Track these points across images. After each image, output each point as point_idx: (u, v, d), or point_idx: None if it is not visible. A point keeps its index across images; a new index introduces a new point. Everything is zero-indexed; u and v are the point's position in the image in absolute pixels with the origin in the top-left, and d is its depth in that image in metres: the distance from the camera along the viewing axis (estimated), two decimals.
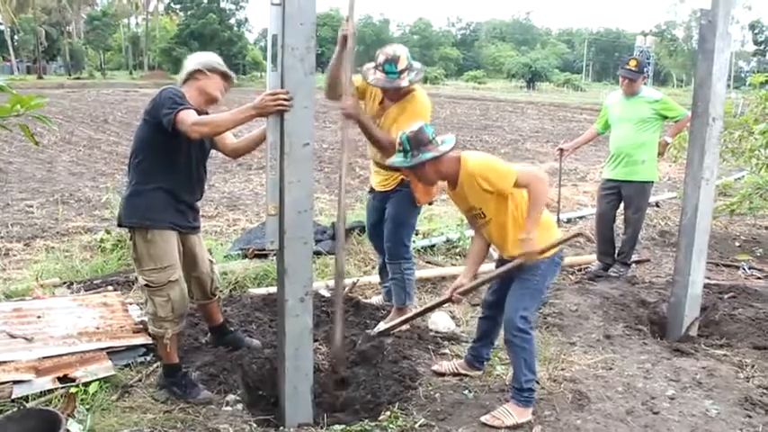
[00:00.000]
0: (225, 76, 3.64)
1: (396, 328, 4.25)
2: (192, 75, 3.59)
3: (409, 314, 4.31)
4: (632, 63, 5.71)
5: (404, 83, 4.13)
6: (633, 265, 6.22)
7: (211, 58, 3.67)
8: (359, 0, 4.10)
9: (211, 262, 4.03)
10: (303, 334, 3.24)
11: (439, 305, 4.03)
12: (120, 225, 3.67)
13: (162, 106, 3.33)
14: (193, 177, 3.64)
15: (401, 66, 4.10)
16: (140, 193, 3.51)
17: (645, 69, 5.83)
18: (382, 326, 4.38)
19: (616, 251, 6.09)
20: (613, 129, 5.90)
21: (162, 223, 3.49)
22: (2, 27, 58.79)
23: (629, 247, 6.00)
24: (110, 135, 18.04)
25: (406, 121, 4.10)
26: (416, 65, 4.24)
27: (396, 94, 4.25)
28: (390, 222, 4.52)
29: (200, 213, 3.93)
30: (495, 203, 3.40)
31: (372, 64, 4.21)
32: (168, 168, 3.48)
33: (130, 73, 68.66)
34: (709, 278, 5.33)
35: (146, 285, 3.54)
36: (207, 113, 3.62)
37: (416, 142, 3.36)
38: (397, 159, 3.46)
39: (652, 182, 5.92)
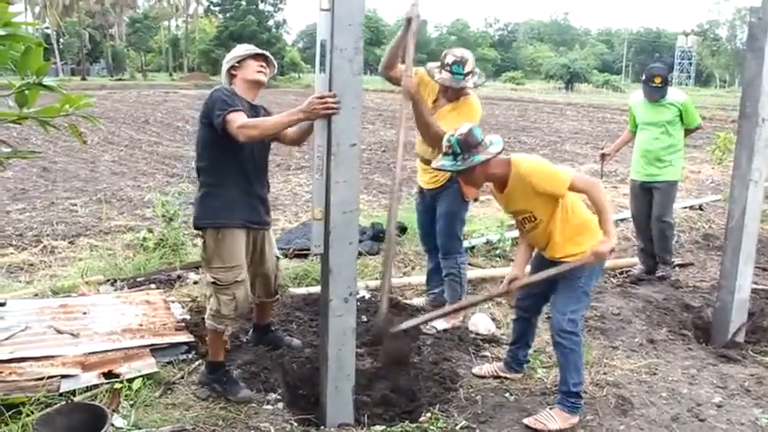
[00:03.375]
0: (255, 57, 3.64)
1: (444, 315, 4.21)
2: (229, 73, 3.65)
3: (459, 304, 4.34)
4: (657, 80, 5.48)
5: (468, 84, 4.31)
6: (677, 268, 6.09)
7: (236, 50, 3.69)
8: (397, 2, 4.16)
9: (278, 258, 4.06)
10: (346, 334, 3.23)
11: (493, 298, 4.14)
12: (195, 227, 3.71)
13: (214, 108, 3.38)
14: (259, 170, 3.68)
15: (468, 68, 4.27)
16: (213, 193, 3.56)
17: (669, 78, 5.68)
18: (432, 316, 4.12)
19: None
20: (640, 131, 5.78)
21: (234, 222, 3.54)
22: (49, 31, 60.13)
23: (665, 250, 5.86)
24: (150, 135, 18.31)
25: (459, 123, 4.19)
26: (477, 70, 4.38)
27: (454, 95, 4.38)
28: (443, 219, 4.57)
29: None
30: (545, 206, 3.35)
31: (437, 64, 4.33)
32: (233, 165, 3.52)
33: (170, 74, 69.66)
34: (756, 283, 5.20)
35: (212, 283, 3.60)
36: (264, 109, 3.68)
37: (466, 145, 3.27)
38: (446, 163, 3.36)
39: (677, 181, 5.80)
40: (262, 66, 3.64)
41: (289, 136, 3.80)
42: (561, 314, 3.42)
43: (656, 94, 5.53)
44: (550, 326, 3.53)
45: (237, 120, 3.30)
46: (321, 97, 3.02)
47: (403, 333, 3.66)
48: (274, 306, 4.35)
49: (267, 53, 3.70)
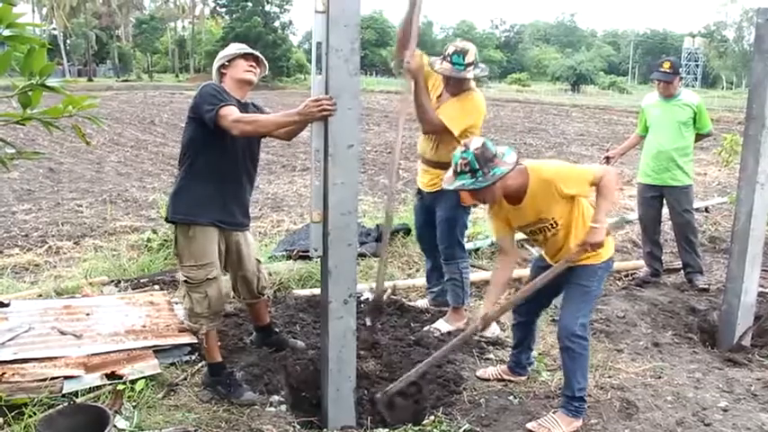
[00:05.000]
0: (245, 57, 3.63)
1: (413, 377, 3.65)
2: (219, 71, 3.63)
3: (422, 366, 3.69)
4: (666, 65, 5.54)
5: (469, 75, 4.23)
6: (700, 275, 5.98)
7: (227, 49, 3.67)
8: (402, 2, 4.13)
9: (258, 261, 4.01)
10: (346, 336, 3.22)
11: (466, 339, 3.71)
12: (166, 220, 3.74)
13: (203, 103, 3.36)
14: (241, 171, 3.64)
15: (468, 59, 4.20)
16: (186, 189, 3.55)
17: (680, 69, 5.67)
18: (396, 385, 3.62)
19: (663, 254, 5.98)
20: (653, 132, 5.74)
21: (204, 219, 3.52)
22: (55, 32, 60.34)
23: (693, 256, 5.79)
24: (156, 136, 18.39)
25: (463, 119, 4.21)
26: (482, 65, 4.30)
27: (456, 87, 4.30)
28: (443, 224, 4.52)
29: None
30: (566, 210, 3.26)
31: (440, 56, 4.29)
32: (215, 163, 3.50)
33: (177, 75, 69.86)
34: (763, 286, 5.17)
35: (185, 281, 3.60)
36: (254, 106, 3.66)
37: (484, 158, 3.05)
38: (465, 182, 3.11)
39: (690, 185, 5.76)
40: (251, 65, 3.62)
41: (278, 132, 3.71)
42: (573, 318, 3.35)
43: (664, 77, 5.51)
44: (560, 331, 3.42)
45: (232, 114, 3.28)
46: (317, 100, 3.00)
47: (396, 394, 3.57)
48: (269, 307, 4.33)
49: (257, 53, 3.68)
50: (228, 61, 3.61)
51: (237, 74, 3.58)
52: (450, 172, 3.22)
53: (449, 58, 4.21)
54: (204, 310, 3.59)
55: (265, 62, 3.75)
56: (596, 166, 3.33)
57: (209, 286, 3.56)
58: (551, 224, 3.31)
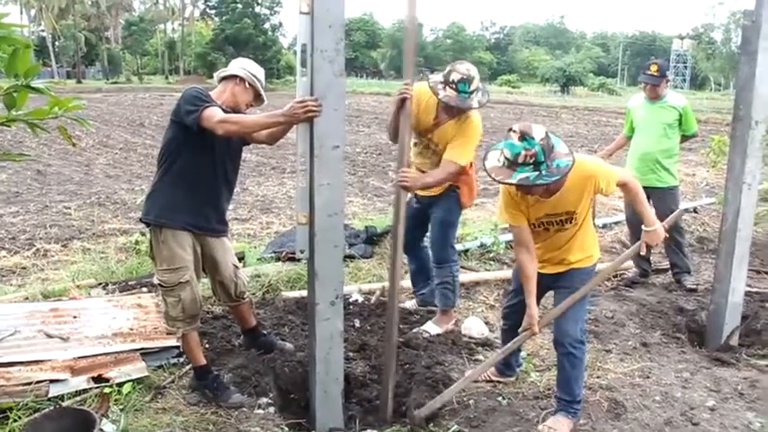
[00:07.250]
0: (257, 96, 3.68)
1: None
2: (234, 77, 3.61)
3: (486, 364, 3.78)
4: (653, 68, 5.57)
5: (474, 104, 4.13)
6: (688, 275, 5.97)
7: (258, 73, 3.67)
8: (392, 4, 4.11)
9: (236, 267, 3.95)
10: (333, 338, 3.21)
11: (520, 344, 3.57)
12: (141, 221, 3.72)
13: (186, 105, 3.34)
14: (219, 178, 3.61)
15: (473, 86, 4.09)
16: (160, 191, 3.54)
17: (667, 72, 5.69)
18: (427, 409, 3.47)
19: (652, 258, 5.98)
20: (638, 134, 5.76)
21: (176, 223, 3.49)
22: (44, 34, 60.08)
23: (680, 256, 5.82)
24: (145, 138, 18.29)
25: (463, 144, 4.17)
26: (480, 85, 4.17)
27: (457, 111, 4.19)
28: (438, 226, 4.51)
29: (231, 217, 3.92)
30: (586, 206, 3.23)
31: (440, 78, 4.15)
32: (192, 168, 3.48)
33: (166, 77, 69.57)
34: (750, 286, 5.19)
35: (159, 284, 3.61)
36: (234, 111, 3.62)
37: (549, 149, 2.85)
38: (529, 175, 2.89)
39: (676, 186, 5.78)
40: (251, 104, 3.69)
41: (264, 133, 3.72)
42: (573, 322, 3.35)
43: (652, 80, 5.54)
44: (561, 337, 3.37)
45: (216, 114, 3.27)
46: (302, 101, 2.98)
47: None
48: (254, 308, 4.32)
49: (265, 100, 3.74)
50: (249, 84, 3.61)
51: (240, 97, 3.61)
52: (501, 161, 2.99)
53: (453, 86, 4.05)
54: (179, 314, 3.57)
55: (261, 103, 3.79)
56: (619, 168, 3.34)
57: (183, 290, 3.54)
58: (570, 218, 3.23)
